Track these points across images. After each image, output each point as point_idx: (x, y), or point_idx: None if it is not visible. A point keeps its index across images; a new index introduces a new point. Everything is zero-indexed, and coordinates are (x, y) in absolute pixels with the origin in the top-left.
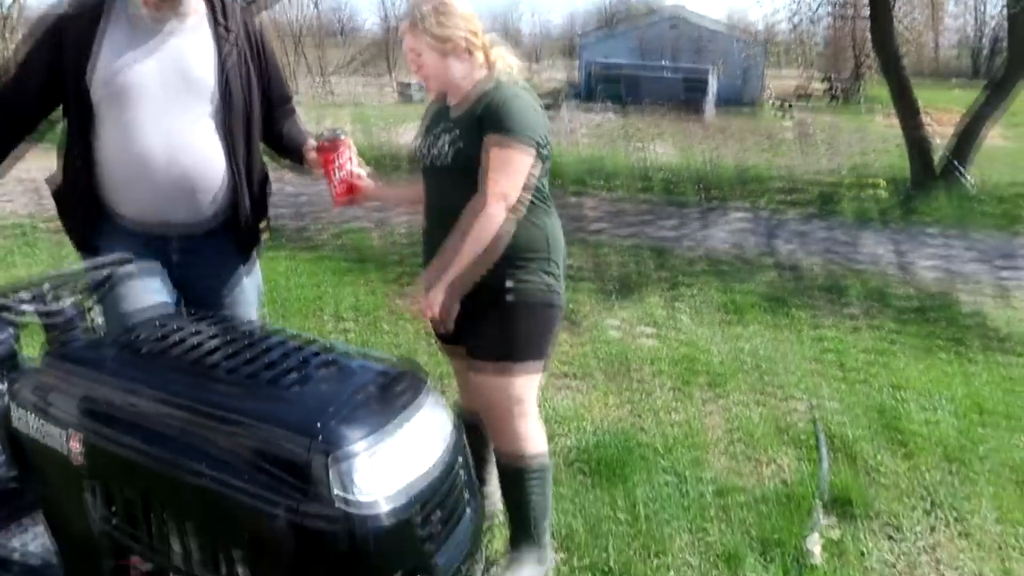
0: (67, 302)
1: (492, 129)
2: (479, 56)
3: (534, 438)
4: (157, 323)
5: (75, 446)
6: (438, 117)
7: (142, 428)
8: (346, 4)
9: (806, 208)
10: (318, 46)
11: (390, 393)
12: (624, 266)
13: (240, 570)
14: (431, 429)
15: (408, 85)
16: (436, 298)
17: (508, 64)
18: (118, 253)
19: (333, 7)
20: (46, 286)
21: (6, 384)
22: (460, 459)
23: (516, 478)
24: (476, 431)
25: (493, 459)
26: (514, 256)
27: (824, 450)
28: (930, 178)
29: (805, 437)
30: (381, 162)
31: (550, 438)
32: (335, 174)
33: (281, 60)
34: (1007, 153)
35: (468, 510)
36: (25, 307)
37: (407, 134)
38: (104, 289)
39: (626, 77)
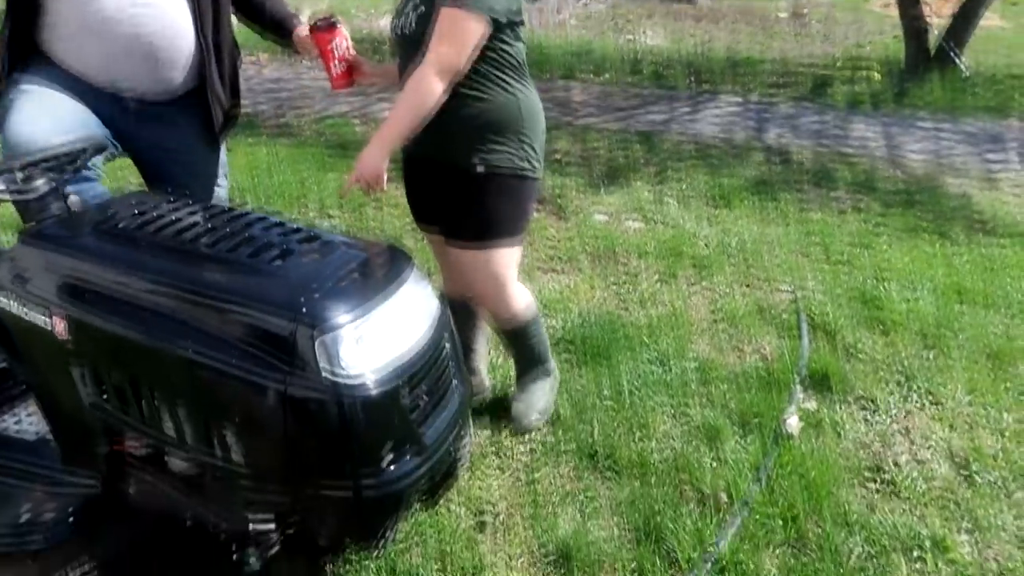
0: (40, 182)
1: None
2: None
3: (521, 304)
4: (134, 202)
5: (59, 327)
6: None
7: (127, 307)
8: None
9: (798, 95)
10: None
11: (374, 271)
12: (612, 153)
13: (232, 447)
14: (416, 306)
15: None
16: (367, 161)
17: None
18: (93, 135)
19: None
20: (18, 166)
21: None
22: (446, 337)
23: (517, 335)
24: (460, 316)
25: (480, 343)
26: (485, 129)
27: (805, 331)
28: (925, 63)
29: (787, 321)
30: (363, 52)
31: (546, 313)
32: (334, 56)
33: None
34: (1005, 38)
35: (455, 387)
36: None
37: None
38: (79, 168)
39: None
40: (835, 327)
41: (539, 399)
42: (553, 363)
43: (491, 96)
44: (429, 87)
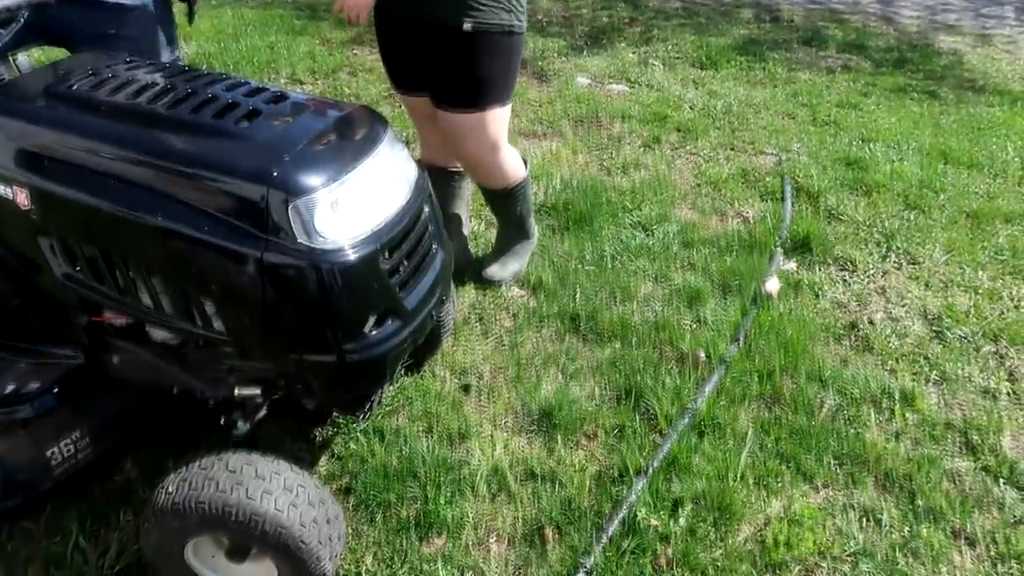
0: None
1: None
2: None
3: (513, 165)
4: (88, 62)
5: (21, 198)
6: None
7: (90, 175)
8: None
9: None
10: None
11: (347, 133)
12: (595, 14)
13: (212, 317)
14: (393, 170)
15: None
16: None
17: None
18: None
19: None
20: None
21: None
22: (425, 201)
23: (505, 200)
24: (440, 184)
25: (462, 210)
26: None
27: (788, 194)
28: None
29: (772, 188)
30: None
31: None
32: None
33: None
34: None
35: (435, 252)
36: None
37: None
38: (22, 26)
39: None
40: (818, 190)
41: (515, 260)
42: (534, 226)
43: None
44: None
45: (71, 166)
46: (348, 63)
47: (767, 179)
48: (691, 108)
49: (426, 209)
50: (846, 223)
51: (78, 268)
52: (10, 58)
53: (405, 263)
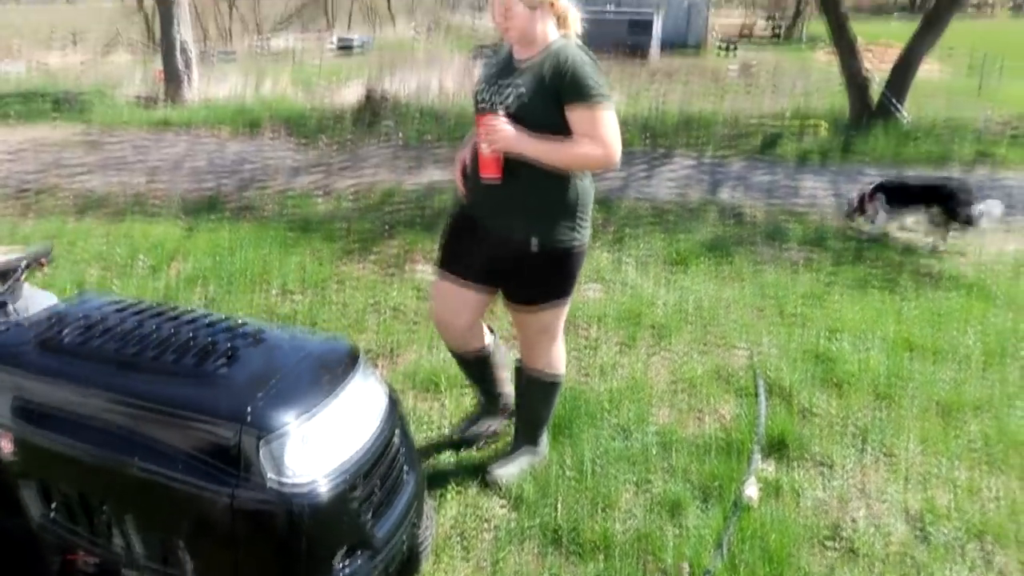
0: None
1: (583, 93)
2: (556, 14)
3: (557, 360)
4: (79, 310)
5: (5, 446)
6: (503, 68)
7: (71, 424)
8: None
9: (749, 150)
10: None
11: (320, 371)
12: None
13: (183, 560)
14: (364, 404)
15: (351, 40)
16: (507, 132)
17: (577, 25)
18: (37, 244)
19: None
20: None
21: None
22: (397, 431)
23: (534, 388)
24: (475, 361)
25: (506, 374)
26: (550, 209)
27: (762, 396)
28: (868, 115)
29: (745, 385)
30: (325, 125)
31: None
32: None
33: (217, 17)
34: (944, 83)
35: (408, 481)
36: None
37: (352, 92)
38: (20, 280)
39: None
40: (790, 387)
41: (517, 467)
42: (545, 443)
43: (560, 179)
44: (595, 164)
45: (54, 413)
46: (336, 274)
47: (740, 376)
48: (664, 306)
49: (397, 433)
50: (820, 418)
51: (55, 508)
52: (9, 306)
53: (377, 490)
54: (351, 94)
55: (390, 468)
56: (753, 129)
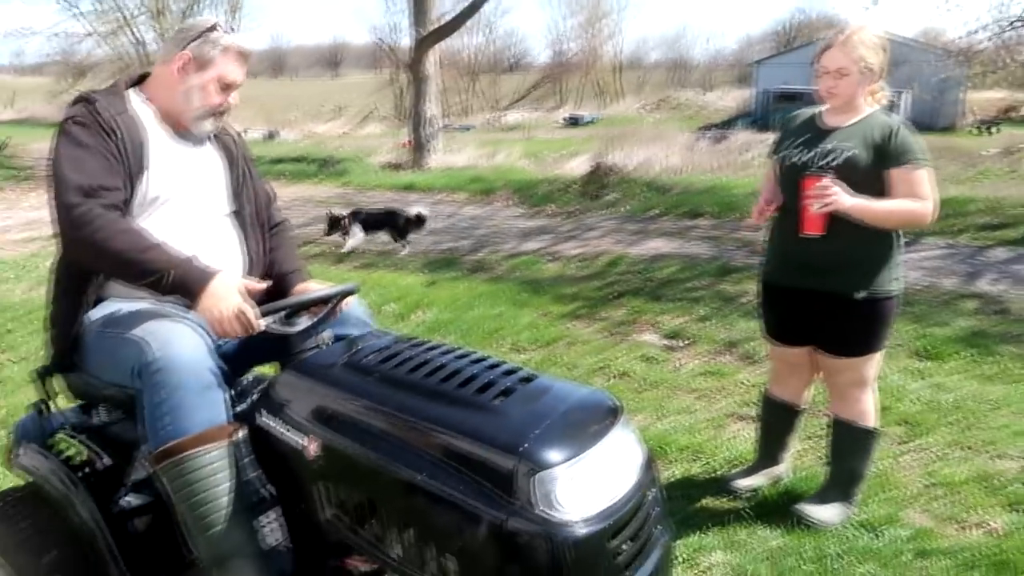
0: (302, 322)
1: (908, 156)
2: (873, 87)
3: (869, 411)
4: (375, 340)
5: (311, 448)
6: (811, 133)
7: (368, 435)
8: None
9: (1016, 241)
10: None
11: (588, 418)
12: None
13: (451, 574)
14: (625, 457)
15: (579, 116)
16: (842, 194)
17: (883, 99)
18: (349, 283)
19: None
20: (283, 307)
21: (255, 390)
22: (652, 490)
23: (848, 438)
24: (785, 416)
25: (792, 440)
26: (873, 259)
27: None
28: None
29: (1018, 492)
30: (553, 194)
31: (736, 465)
32: (816, 200)
33: (459, 93)
34: None
35: (659, 541)
36: (272, 326)
37: (579, 164)
38: (331, 312)
39: (806, 103)
40: None
41: (828, 513)
42: (856, 499)
43: (878, 231)
44: (917, 220)
45: (355, 424)
46: (565, 335)
47: (1014, 486)
48: (914, 401)
49: (651, 491)
50: None
51: (342, 513)
52: (318, 333)
53: (628, 544)
54: (578, 166)
55: (644, 523)
56: (1019, 218)
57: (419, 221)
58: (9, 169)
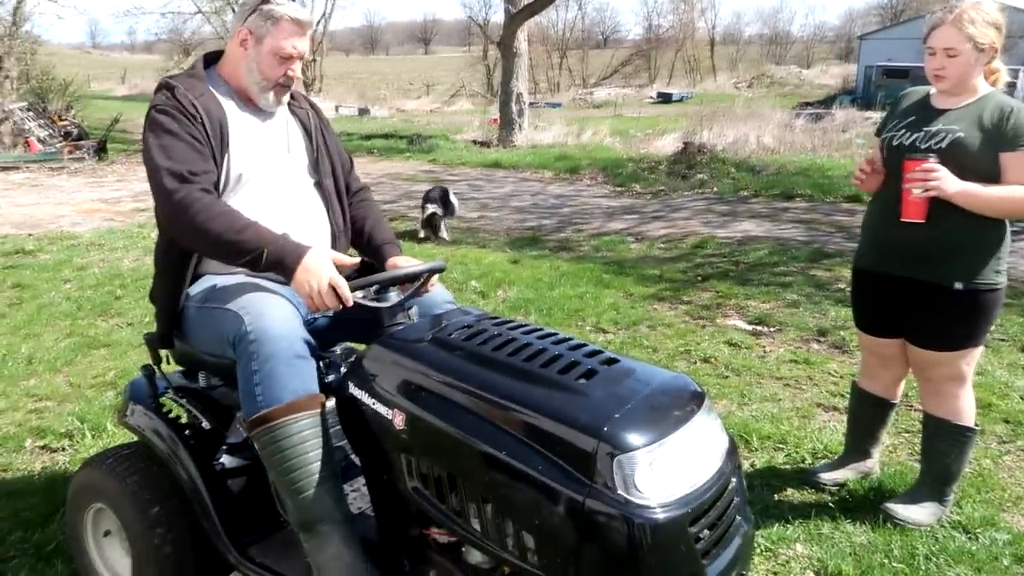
0: (391, 294)
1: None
2: (989, 65)
3: (966, 409)
4: (461, 316)
5: (398, 419)
6: (920, 114)
7: (452, 411)
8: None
9: None
10: (582, 59)
11: (671, 403)
12: None
13: (527, 549)
14: (707, 443)
15: (670, 93)
16: (947, 178)
17: (1001, 80)
18: (437, 260)
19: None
20: (374, 282)
21: (345, 363)
22: (734, 478)
23: (941, 436)
24: (878, 409)
25: (883, 433)
26: (974, 248)
27: None
28: None
29: None
30: (640, 173)
31: (822, 457)
32: (917, 185)
33: (548, 70)
34: None
35: (740, 530)
36: (362, 300)
37: (668, 143)
38: (420, 288)
39: (913, 80)
40: None
41: (919, 514)
42: (951, 498)
43: (984, 219)
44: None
45: (440, 399)
46: (648, 317)
47: None
48: (1020, 399)
49: (733, 478)
50: None
51: (426, 484)
52: (406, 309)
53: (708, 532)
54: (667, 145)
55: (725, 511)
56: None
57: (445, 207)
58: (121, 143)
